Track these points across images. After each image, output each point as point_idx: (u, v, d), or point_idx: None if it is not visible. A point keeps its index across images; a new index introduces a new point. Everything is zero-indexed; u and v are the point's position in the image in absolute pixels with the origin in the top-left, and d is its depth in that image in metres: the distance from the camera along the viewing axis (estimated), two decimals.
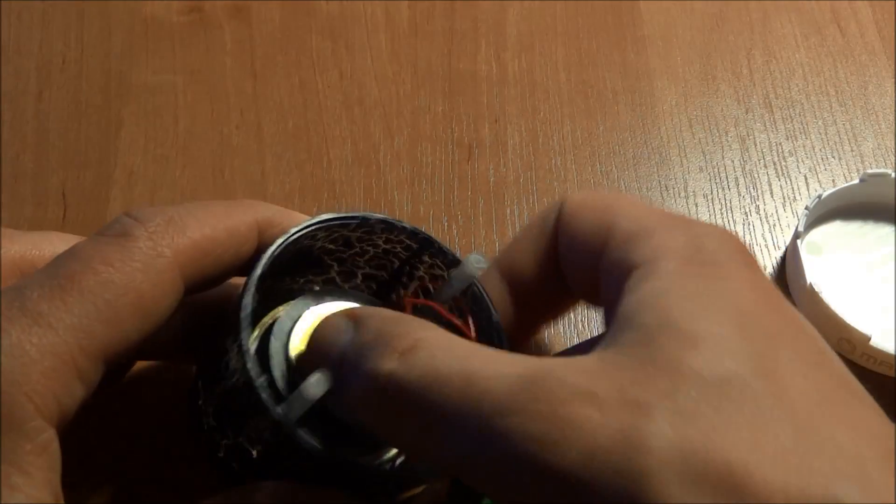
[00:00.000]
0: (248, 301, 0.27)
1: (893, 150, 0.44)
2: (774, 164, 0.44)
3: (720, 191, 0.43)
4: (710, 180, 0.44)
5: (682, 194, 0.43)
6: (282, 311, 0.30)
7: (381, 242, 0.31)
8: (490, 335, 0.30)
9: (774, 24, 0.48)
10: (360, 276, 0.32)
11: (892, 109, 0.45)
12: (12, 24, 0.47)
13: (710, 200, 0.43)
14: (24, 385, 0.24)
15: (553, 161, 0.44)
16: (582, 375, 0.22)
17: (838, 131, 0.45)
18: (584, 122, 0.45)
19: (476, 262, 0.31)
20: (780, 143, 0.45)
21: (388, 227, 0.31)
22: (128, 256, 0.26)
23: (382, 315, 0.26)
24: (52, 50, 0.47)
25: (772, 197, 0.43)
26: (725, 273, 0.24)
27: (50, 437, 0.24)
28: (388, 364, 0.24)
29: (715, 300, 0.23)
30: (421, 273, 0.32)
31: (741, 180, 0.44)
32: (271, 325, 0.30)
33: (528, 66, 0.47)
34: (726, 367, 0.21)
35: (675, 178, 0.44)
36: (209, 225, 0.28)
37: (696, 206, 0.43)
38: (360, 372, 0.25)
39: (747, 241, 0.42)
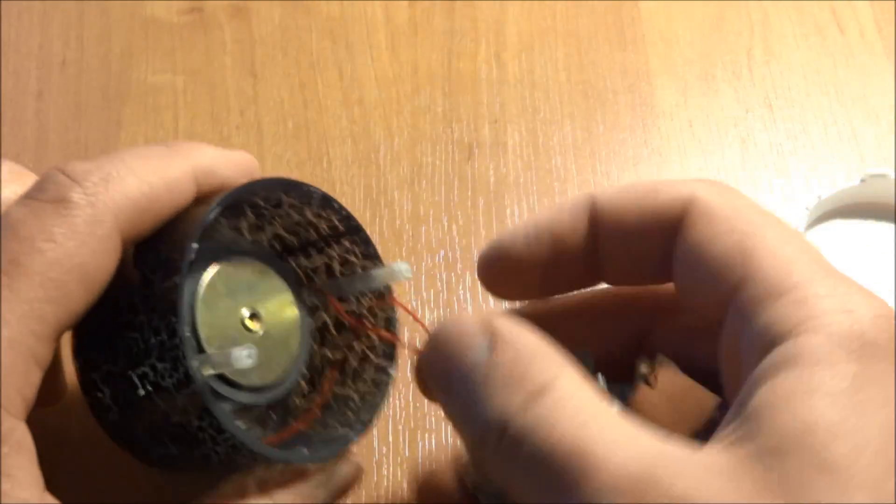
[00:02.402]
0: (191, 252, 0.26)
1: (893, 150, 0.44)
2: (774, 164, 0.44)
3: None
4: None
5: None
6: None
7: (310, 215, 0.31)
8: (389, 358, 0.32)
9: (774, 24, 0.48)
10: (268, 233, 0.32)
11: (892, 109, 0.45)
12: (12, 24, 0.47)
13: None
14: None
15: (553, 161, 0.44)
16: (702, 483, 0.20)
17: (838, 131, 0.45)
18: (584, 122, 0.45)
19: (406, 272, 0.31)
20: (780, 143, 0.45)
21: (326, 202, 0.31)
22: (69, 229, 0.25)
23: (519, 345, 0.24)
24: (52, 50, 0.47)
25: (772, 197, 0.43)
26: (878, 374, 0.21)
27: (23, 433, 0.24)
28: (511, 407, 0.23)
29: (861, 414, 0.21)
30: (333, 253, 0.32)
31: (741, 180, 0.44)
32: None
33: (528, 66, 0.47)
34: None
35: (675, 179, 0.44)
36: (147, 181, 0.27)
37: None
38: (481, 407, 0.24)
39: None
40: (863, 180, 0.41)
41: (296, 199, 0.31)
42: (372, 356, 0.32)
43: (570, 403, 0.23)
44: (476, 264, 0.30)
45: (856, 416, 0.21)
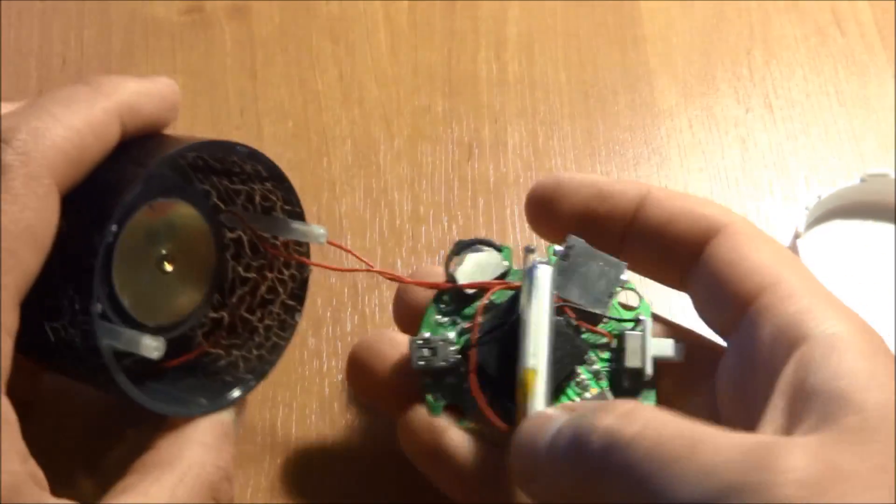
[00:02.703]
0: (109, 235, 0.27)
1: (893, 150, 0.44)
2: (774, 164, 0.44)
3: (720, 191, 0.43)
4: (710, 180, 0.44)
5: None
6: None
7: (235, 158, 0.31)
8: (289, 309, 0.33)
9: (774, 24, 0.48)
10: (190, 157, 0.32)
11: (892, 109, 0.45)
12: (12, 24, 0.47)
13: None
14: None
15: (553, 161, 0.44)
16: (809, 464, 0.22)
17: (838, 131, 0.45)
18: (584, 122, 0.45)
19: (321, 238, 0.32)
20: (780, 143, 0.45)
21: (252, 155, 0.31)
22: (9, 193, 0.25)
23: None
24: (52, 50, 0.47)
25: (772, 197, 0.43)
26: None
27: (5, 406, 0.24)
28: (606, 420, 0.24)
29: None
30: (256, 186, 0.32)
31: (741, 180, 0.44)
32: None
33: (528, 66, 0.47)
34: None
35: (675, 179, 0.44)
36: (74, 129, 0.27)
37: None
38: (567, 431, 0.25)
39: None
40: (863, 180, 0.41)
41: (221, 153, 0.31)
42: (281, 290, 0.33)
43: (664, 414, 0.24)
44: (530, 190, 0.33)
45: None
